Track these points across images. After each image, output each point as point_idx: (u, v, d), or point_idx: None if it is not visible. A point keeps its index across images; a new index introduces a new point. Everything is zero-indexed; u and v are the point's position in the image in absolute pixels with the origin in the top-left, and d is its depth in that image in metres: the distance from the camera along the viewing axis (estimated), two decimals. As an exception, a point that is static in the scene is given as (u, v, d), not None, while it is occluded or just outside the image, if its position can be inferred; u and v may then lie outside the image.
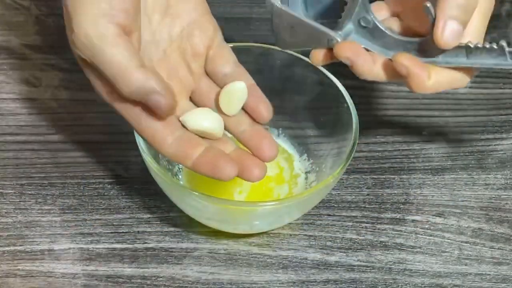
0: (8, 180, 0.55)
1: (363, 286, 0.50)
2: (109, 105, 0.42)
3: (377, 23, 0.44)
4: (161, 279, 0.50)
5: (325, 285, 0.50)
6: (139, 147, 0.48)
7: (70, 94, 0.61)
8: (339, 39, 0.44)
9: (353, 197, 0.56)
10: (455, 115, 0.62)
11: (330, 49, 0.45)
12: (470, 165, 0.58)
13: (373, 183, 0.56)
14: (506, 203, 0.56)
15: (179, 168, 0.55)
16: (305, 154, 0.56)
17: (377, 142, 0.60)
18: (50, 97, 0.61)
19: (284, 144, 0.57)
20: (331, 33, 0.44)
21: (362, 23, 0.44)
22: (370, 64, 0.44)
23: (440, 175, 0.57)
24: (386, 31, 0.44)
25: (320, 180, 0.52)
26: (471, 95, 0.64)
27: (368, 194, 0.56)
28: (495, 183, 0.57)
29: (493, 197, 0.56)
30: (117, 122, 0.59)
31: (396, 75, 0.44)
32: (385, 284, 0.50)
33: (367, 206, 0.55)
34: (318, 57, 0.46)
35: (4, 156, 0.57)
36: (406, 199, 0.56)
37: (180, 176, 0.54)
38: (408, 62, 0.42)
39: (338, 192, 0.56)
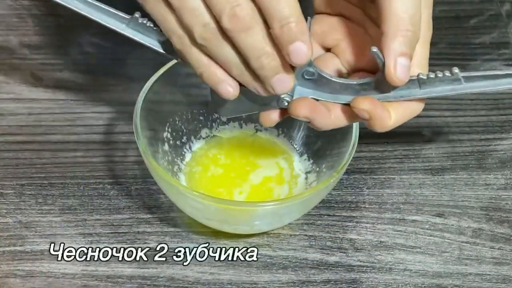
0: (8, 180, 0.55)
1: (363, 286, 0.50)
2: None
3: (321, 73, 0.43)
4: (161, 279, 0.50)
5: (325, 285, 0.50)
6: (139, 147, 0.48)
7: (70, 94, 0.61)
8: (288, 99, 0.43)
9: (353, 197, 0.56)
10: (455, 115, 0.62)
11: (280, 109, 0.44)
12: (470, 165, 0.58)
13: (373, 183, 0.56)
14: (506, 203, 0.56)
15: (179, 168, 0.55)
16: (305, 154, 0.56)
17: (377, 142, 0.60)
18: (50, 97, 0.61)
19: (284, 144, 0.57)
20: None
21: (306, 76, 0.43)
22: (327, 116, 0.43)
23: (440, 175, 0.57)
24: (332, 78, 0.43)
25: (320, 180, 0.52)
26: (471, 95, 0.64)
27: (368, 194, 0.56)
28: (495, 183, 0.57)
29: (493, 197, 0.56)
30: (117, 122, 0.59)
31: (356, 118, 0.44)
32: (385, 284, 0.50)
33: (367, 206, 0.55)
34: (270, 118, 0.45)
35: (4, 156, 0.57)
36: (406, 199, 0.56)
37: (180, 177, 0.54)
38: (369, 106, 0.42)
39: (338, 192, 0.56)
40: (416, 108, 0.44)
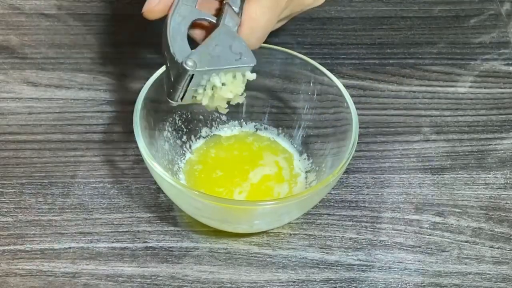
0: (8, 179, 0.55)
1: (363, 285, 0.50)
2: None
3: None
4: (161, 278, 0.50)
5: (325, 284, 0.50)
6: (139, 147, 0.48)
7: (70, 94, 0.61)
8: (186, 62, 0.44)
9: (353, 196, 0.56)
10: (455, 115, 0.62)
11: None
12: (470, 165, 0.58)
13: (373, 183, 0.57)
14: (506, 203, 0.56)
15: (179, 168, 0.55)
16: (305, 154, 0.56)
17: (377, 142, 0.60)
18: (50, 97, 0.61)
19: (284, 143, 0.57)
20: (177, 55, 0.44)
21: None
22: None
23: (439, 174, 0.57)
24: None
25: (320, 180, 0.52)
26: (471, 95, 0.64)
27: (367, 194, 0.56)
28: (495, 182, 0.57)
29: (493, 197, 0.56)
30: (117, 122, 0.60)
31: None
32: (384, 284, 0.50)
33: (366, 205, 0.55)
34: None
35: (4, 155, 0.57)
36: (405, 199, 0.56)
37: (180, 176, 0.54)
38: None
39: (338, 191, 0.56)
40: None
